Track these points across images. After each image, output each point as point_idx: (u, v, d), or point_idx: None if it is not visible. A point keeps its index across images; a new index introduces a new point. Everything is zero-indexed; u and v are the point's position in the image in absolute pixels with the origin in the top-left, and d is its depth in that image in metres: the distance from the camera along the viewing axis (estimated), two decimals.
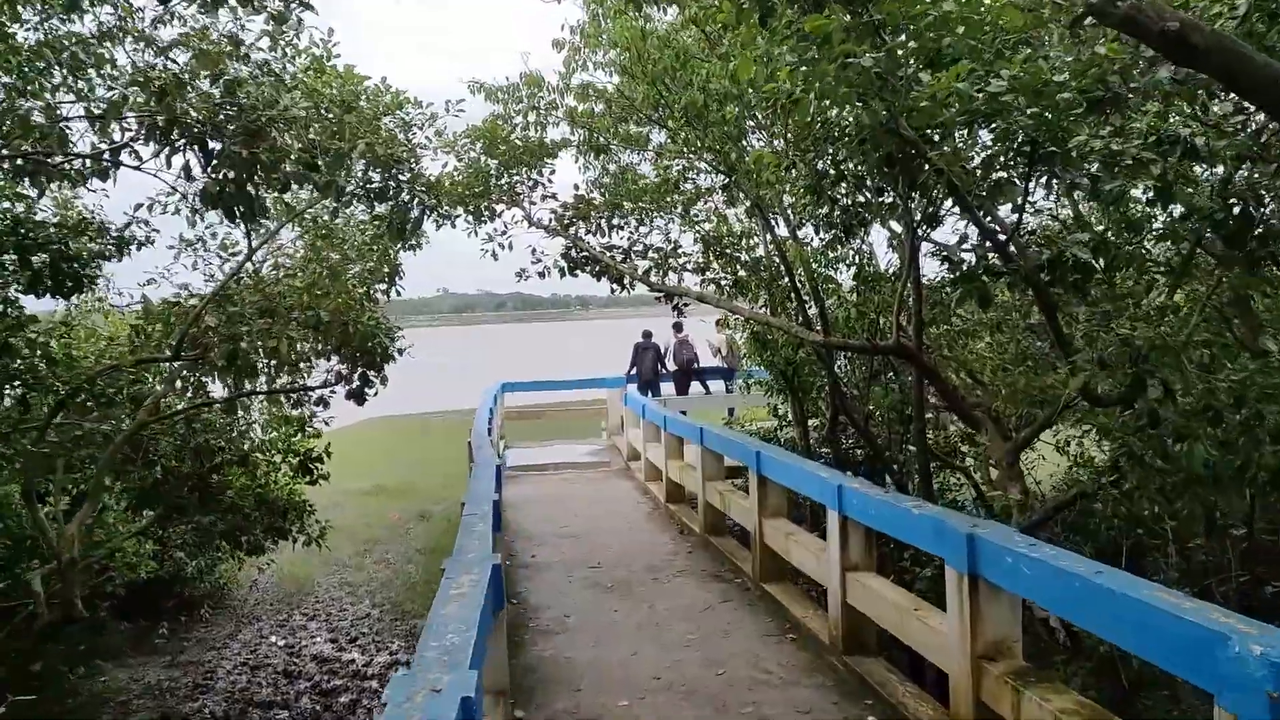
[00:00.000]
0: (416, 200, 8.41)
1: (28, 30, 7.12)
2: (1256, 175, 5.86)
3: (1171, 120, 5.68)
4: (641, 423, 14.77)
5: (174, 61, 6.58)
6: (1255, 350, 6.39)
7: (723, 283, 11.58)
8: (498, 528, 6.42)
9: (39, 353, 7.47)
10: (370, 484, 22.18)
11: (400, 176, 8.61)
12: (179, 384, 9.16)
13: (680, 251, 11.49)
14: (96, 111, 6.27)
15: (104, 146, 6.92)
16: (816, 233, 10.23)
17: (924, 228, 7.47)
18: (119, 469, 10.55)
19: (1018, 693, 4.40)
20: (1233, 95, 5.66)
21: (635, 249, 11.44)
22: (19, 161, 6.56)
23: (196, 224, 9.32)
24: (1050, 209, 8.34)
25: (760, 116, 9.77)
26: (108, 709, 10.62)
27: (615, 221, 11.36)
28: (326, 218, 10.47)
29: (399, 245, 9.85)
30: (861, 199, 7.99)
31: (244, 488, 11.58)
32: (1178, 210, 6.32)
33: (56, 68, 6.91)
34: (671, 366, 21.28)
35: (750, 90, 8.95)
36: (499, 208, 11.47)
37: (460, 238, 11.52)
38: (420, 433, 29.06)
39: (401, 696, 2.77)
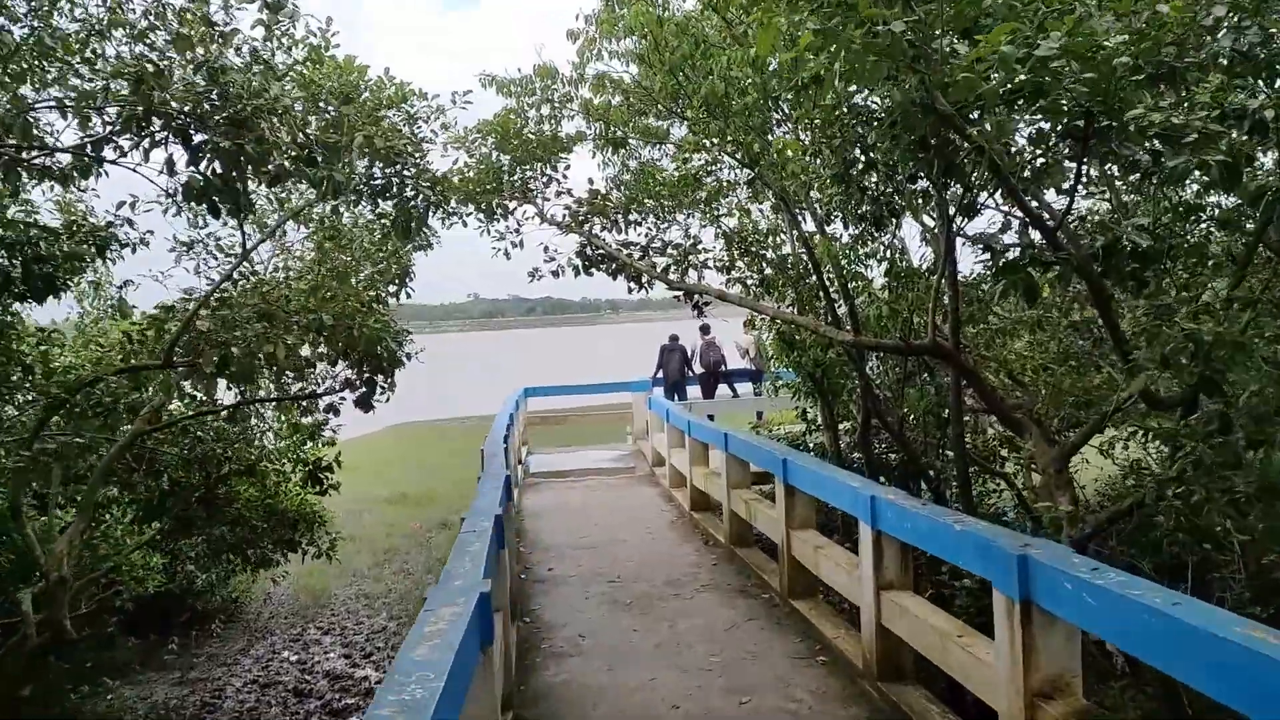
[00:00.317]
0: (421, 196, 7.95)
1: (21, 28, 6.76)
2: None
3: (1238, 95, 5.11)
4: (666, 427, 14.35)
5: (152, 48, 6.16)
6: None
7: (749, 281, 11.08)
8: (501, 544, 5.94)
9: (14, 361, 7.08)
10: (392, 491, 21.90)
11: (405, 172, 8.16)
12: (174, 392, 8.74)
13: (701, 248, 10.97)
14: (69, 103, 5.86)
15: (85, 141, 6.54)
16: (845, 227, 9.73)
17: (961, 218, 6.93)
18: (123, 481, 10.25)
19: None
20: None
21: (654, 246, 10.93)
22: None
23: (198, 224, 9.01)
24: (1092, 195, 7.73)
25: (785, 108, 9.28)
26: None
27: (632, 217, 10.85)
28: (334, 218, 10.05)
29: (406, 245, 9.41)
30: (892, 188, 7.46)
31: (252, 499, 11.22)
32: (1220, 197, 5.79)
33: (40, 60, 6.54)
34: (698, 369, 20.88)
35: (774, 81, 8.48)
36: (511, 204, 11.00)
37: (491, 244, 11.14)
38: (441, 438, 28.76)
39: None
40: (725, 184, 11.14)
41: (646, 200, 10.94)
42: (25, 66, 6.31)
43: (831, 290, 10.05)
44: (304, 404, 10.59)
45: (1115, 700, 6.51)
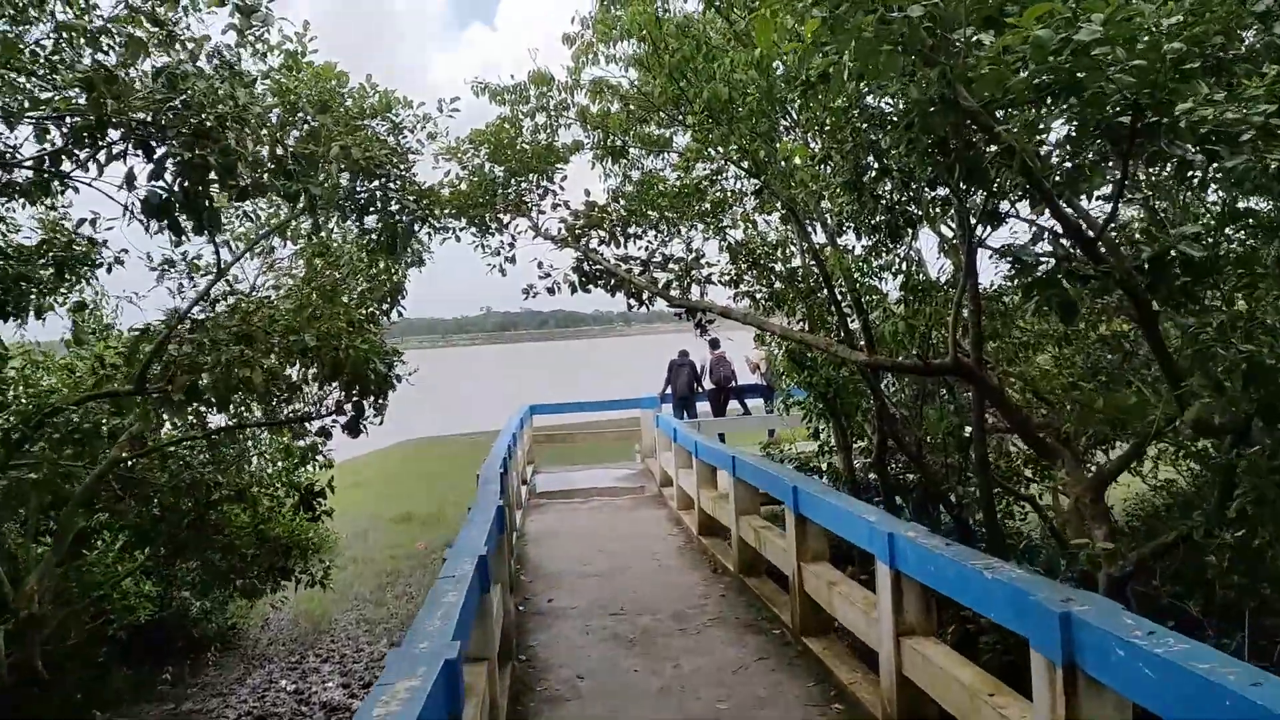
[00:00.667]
0: (405, 210, 7.47)
1: None
2: None
3: None
4: (674, 447, 13.83)
5: (107, 53, 5.70)
6: None
7: (757, 296, 10.56)
8: (486, 587, 5.43)
9: None
10: (399, 510, 21.41)
11: (389, 185, 7.70)
12: (151, 419, 8.29)
13: (704, 262, 10.44)
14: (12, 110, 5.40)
15: (42, 154, 6.09)
16: (858, 238, 9.18)
17: (983, 227, 6.41)
18: (110, 507, 9.85)
19: None
20: None
21: (654, 260, 10.40)
22: None
23: (179, 241, 8.56)
24: (1131, 201, 7.17)
25: (793, 112, 8.79)
26: None
27: (632, 230, 10.33)
28: (319, 234, 9.61)
29: (392, 260, 8.93)
30: (908, 196, 6.94)
31: (243, 525, 10.78)
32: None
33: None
34: (708, 385, 20.37)
35: (780, 84, 7.99)
36: (505, 218, 10.51)
37: (485, 260, 10.68)
38: (450, 454, 28.30)
39: None
40: (730, 194, 10.64)
41: (649, 212, 10.44)
42: None
43: (844, 305, 9.54)
44: (294, 427, 10.16)
45: None
